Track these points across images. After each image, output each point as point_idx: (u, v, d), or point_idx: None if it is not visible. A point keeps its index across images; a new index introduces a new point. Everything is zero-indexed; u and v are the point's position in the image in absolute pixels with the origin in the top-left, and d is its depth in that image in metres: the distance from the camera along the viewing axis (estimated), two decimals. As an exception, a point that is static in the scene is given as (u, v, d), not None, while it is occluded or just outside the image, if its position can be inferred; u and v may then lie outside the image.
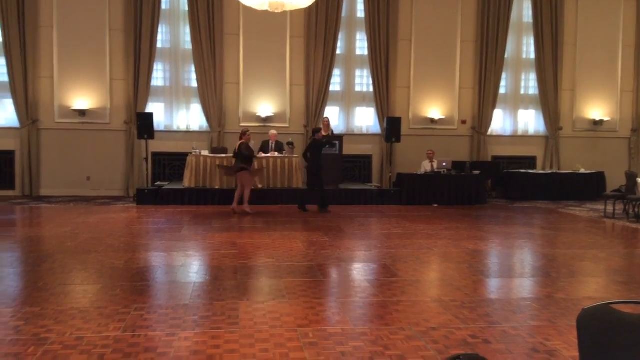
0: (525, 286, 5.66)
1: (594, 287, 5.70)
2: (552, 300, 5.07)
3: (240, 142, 10.78)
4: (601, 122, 15.68)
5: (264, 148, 12.92)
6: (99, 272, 5.89)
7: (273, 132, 13.19)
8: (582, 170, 14.72)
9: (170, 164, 14.26)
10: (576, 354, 1.75)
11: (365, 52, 14.73)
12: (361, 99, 15.04)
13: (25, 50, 13.38)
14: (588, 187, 14.37)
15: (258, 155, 12.60)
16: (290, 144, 12.93)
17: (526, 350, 3.84)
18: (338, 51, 14.58)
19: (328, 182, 12.67)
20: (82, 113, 13.76)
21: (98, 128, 13.94)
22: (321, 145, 11.36)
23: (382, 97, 14.61)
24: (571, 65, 15.54)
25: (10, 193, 13.74)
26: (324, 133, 13.03)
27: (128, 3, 13.68)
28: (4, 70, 13.50)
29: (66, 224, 9.21)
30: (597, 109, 15.71)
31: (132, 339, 3.92)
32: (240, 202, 10.92)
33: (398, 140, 13.54)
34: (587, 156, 15.51)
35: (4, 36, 13.31)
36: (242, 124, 14.02)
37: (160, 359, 3.59)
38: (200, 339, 3.93)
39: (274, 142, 12.92)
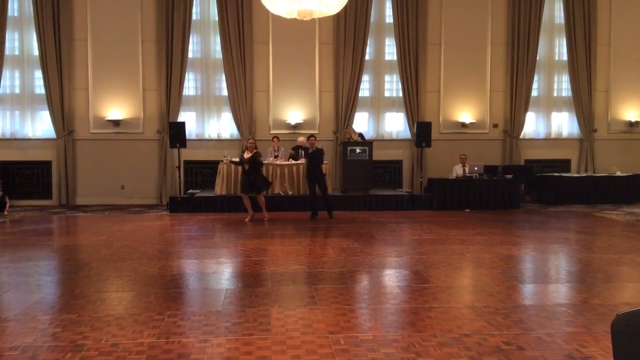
0: (560, 292, 5.56)
1: (631, 293, 5.56)
2: (588, 306, 4.97)
3: (256, 151, 10.84)
4: (637, 123, 15.34)
5: (294, 155, 12.98)
6: (134, 280, 5.99)
7: (302, 139, 13.24)
8: (618, 173, 14.42)
9: (202, 172, 14.44)
10: (611, 361, 1.72)
11: (394, 57, 14.70)
12: (391, 104, 15.01)
13: (60, 63, 13.74)
14: (624, 190, 14.08)
15: (289, 162, 12.69)
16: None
17: (561, 357, 3.77)
18: (367, 57, 14.59)
19: (358, 188, 12.69)
20: (116, 123, 14.05)
21: (131, 138, 14.21)
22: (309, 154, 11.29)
23: (411, 102, 14.55)
24: (605, 66, 15.26)
25: (47, 202, 14.08)
26: (352, 139, 13.06)
27: (159, 15, 13.93)
28: (41, 82, 13.88)
29: (101, 233, 9.39)
30: (633, 110, 15.38)
31: (166, 345, 3.97)
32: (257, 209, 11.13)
33: (428, 145, 13.47)
34: (623, 158, 15.20)
35: (41, 50, 13.68)
36: (272, 131, 14.14)
37: (194, 366, 3.64)
38: (233, 345, 3.96)
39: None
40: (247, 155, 10.77)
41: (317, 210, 11.20)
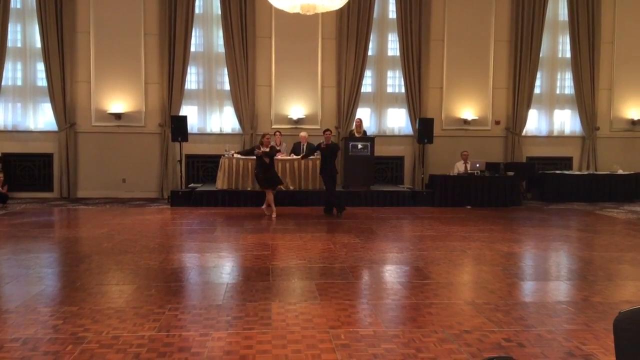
0: (560, 289, 5.56)
1: (632, 291, 5.56)
2: (588, 303, 4.97)
3: (272, 146, 10.80)
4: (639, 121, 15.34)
5: (296, 150, 12.98)
6: (135, 273, 6.00)
7: (303, 134, 13.23)
8: (620, 171, 14.39)
9: (203, 166, 14.44)
10: (613, 358, 1.72)
11: (397, 53, 14.66)
12: (393, 100, 14.98)
13: (63, 55, 13.71)
14: (626, 189, 14.06)
15: (290, 157, 12.68)
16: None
17: (562, 354, 3.77)
18: (369, 52, 14.55)
19: (360, 184, 12.68)
20: (117, 116, 14.04)
21: (133, 131, 14.20)
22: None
23: (414, 98, 14.53)
24: (608, 64, 15.22)
25: (48, 195, 14.09)
26: (356, 134, 13.06)
27: (162, 8, 13.90)
28: (43, 75, 13.86)
29: (102, 226, 9.40)
30: (635, 109, 15.35)
31: (167, 338, 3.98)
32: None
33: (430, 141, 13.44)
34: (625, 157, 15.18)
35: (43, 42, 13.65)
36: (273, 126, 14.12)
37: (194, 359, 3.64)
38: (233, 339, 3.97)
39: (305, 144, 12.94)
40: (265, 150, 10.65)
41: (333, 205, 11.11)
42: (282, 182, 11.05)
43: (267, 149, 10.59)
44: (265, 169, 10.62)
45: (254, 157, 10.77)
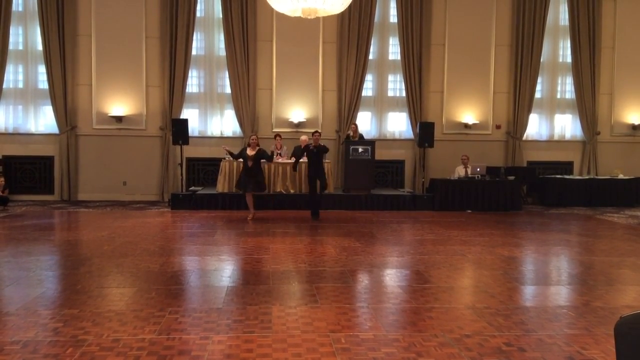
0: (561, 294, 5.55)
1: (632, 296, 5.55)
2: (589, 308, 4.97)
3: (260, 148, 10.74)
4: (640, 126, 15.34)
5: (296, 153, 12.97)
6: (135, 276, 5.99)
7: (304, 137, 13.20)
8: (621, 176, 14.39)
9: (204, 169, 14.44)
10: (614, 363, 1.71)
11: (398, 57, 14.68)
12: (394, 104, 14.99)
13: (64, 58, 13.74)
14: (626, 193, 14.07)
15: (291, 160, 12.67)
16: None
17: (562, 358, 3.76)
18: (370, 56, 14.58)
19: (360, 187, 12.68)
20: (118, 119, 14.05)
21: (134, 134, 14.21)
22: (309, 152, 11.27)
23: (414, 102, 14.54)
24: (609, 69, 15.23)
25: (49, 197, 14.09)
26: (351, 139, 13.06)
27: (164, 11, 13.93)
28: (44, 77, 13.89)
29: (103, 228, 9.40)
30: (636, 113, 15.35)
31: (167, 341, 3.97)
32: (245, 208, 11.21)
33: (431, 145, 13.45)
34: (626, 161, 15.18)
35: (45, 45, 13.68)
36: (274, 130, 14.13)
37: (194, 362, 3.64)
38: (234, 343, 3.96)
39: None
40: (250, 152, 10.63)
41: (318, 209, 11.19)
42: (258, 189, 10.93)
43: (254, 152, 10.58)
44: (247, 171, 10.64)
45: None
